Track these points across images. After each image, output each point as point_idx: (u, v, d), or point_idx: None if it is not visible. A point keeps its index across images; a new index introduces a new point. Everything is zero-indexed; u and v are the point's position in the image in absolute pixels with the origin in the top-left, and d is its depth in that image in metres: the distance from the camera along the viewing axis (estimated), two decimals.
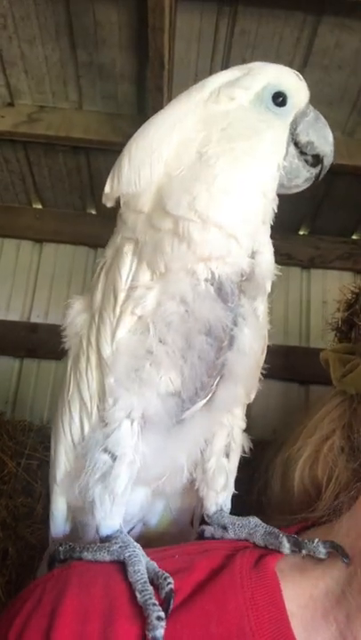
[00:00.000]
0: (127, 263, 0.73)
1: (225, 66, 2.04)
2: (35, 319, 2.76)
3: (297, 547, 0.64)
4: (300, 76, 0.79)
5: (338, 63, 1.99)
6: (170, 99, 2.12)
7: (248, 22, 1.88)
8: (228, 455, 0.85)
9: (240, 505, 0.85)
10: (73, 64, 2.07)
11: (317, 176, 0.82)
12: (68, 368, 0.81)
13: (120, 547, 0.68)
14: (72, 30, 1.93)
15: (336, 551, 0.60)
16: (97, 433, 0.74)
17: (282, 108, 0.76)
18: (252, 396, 0.86)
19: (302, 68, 2.02)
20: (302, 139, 0.78)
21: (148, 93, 2.02)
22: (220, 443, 0.84)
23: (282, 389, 2.36)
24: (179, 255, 0.70)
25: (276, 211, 0.78)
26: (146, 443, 0.74)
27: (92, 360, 0.75)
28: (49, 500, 0.87)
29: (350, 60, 1.97)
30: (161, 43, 1.63)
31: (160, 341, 0.71)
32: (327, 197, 2.44)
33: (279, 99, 0.75)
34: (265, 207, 0.76)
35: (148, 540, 0.87)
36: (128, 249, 0.74)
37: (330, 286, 2.67)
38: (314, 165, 0.80)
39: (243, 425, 0.87)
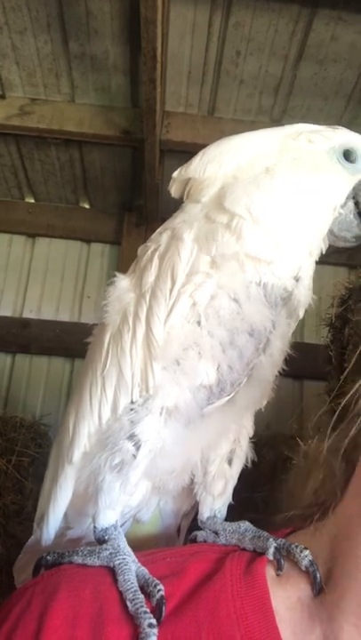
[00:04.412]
0: (187, 248, 0.75)
1: (219, 59, 2.03)
2: (27, 314, 2.74)
3: (284, 551, 0.63)
4: None
5: (333, 57, 1.97)
6: (163, 92, 2.10)
7: (243, 14, 1.86)
8: (230, 461, 0.85)
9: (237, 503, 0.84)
10: (65, 56, 2.04)
11: None
12: (105, 344, 0.79)
13: (110, 553, 0.67)
14: (64, 21, 1.90)
15: (314, 579, 0.59)
16: (124, 418, 0.74)
17: (351, 165, 0.81)
18: (265, 402, 0.87)
19: (297, 61, 2.02)
20: None
21: (141, 86, 2.00)
22: (225, 447, 0.85)
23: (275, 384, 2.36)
24: (228, 244, 0.74)
25: (324, 252, 0.82)
26: (168, 433, 0.75)
27: (138, 337, 0.75)
28: (51, 486, 0.81)
29: (345, 54, 1.96)
30: (153, 35, 1.61)
31: (208, 333, 0.74)
32: None
33: (351, 157, 0.81)
34: (314, 238, 0.80)
35: (136, 538, 0.87)
36: (188, 235, 0.76)
37: (324, 281, 2.66)
38: None
39: (251, 432, 0.87)
